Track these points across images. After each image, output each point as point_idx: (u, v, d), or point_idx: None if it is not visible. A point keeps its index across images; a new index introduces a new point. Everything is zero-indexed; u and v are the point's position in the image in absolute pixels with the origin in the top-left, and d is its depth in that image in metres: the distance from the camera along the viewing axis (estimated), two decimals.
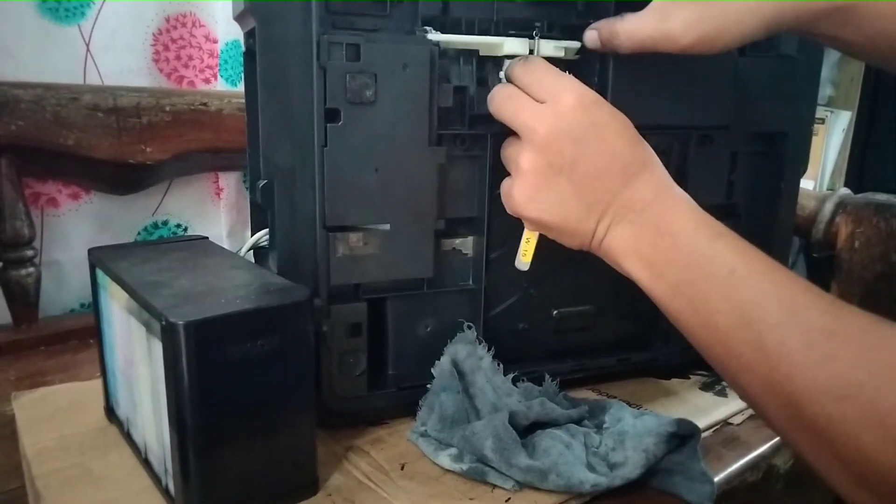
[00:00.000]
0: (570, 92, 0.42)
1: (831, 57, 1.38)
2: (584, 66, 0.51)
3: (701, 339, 0.38)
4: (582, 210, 0.42)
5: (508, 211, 0.45)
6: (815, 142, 1.44)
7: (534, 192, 0.42)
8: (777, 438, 0.50)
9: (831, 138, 1.42)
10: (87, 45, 0.72)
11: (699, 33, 0.41)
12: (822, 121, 1.40)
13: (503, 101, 0.44)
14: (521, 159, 0.42)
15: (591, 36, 0.46)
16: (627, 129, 0.43)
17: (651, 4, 0.43)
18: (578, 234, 0.43)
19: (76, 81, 0.71)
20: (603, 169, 0.41)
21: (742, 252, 0.37)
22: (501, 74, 0.47)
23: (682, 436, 0.44)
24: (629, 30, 0.43)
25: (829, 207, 0.72)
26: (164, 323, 0.34)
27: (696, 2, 0.41)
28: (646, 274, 0.40)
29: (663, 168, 0.43)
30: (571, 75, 0.44)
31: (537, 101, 0.43)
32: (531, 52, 0.49)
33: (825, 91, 1.40)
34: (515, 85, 0.45)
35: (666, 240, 0.40)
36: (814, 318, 0.33)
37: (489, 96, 0.46)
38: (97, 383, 0.50)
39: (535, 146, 0.42)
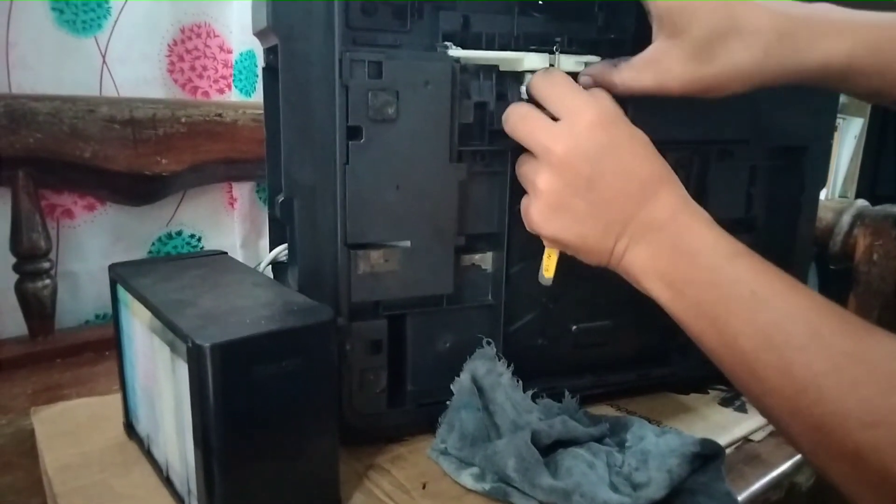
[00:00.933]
0: (587, 110, 0.42)
1: None
2: None
3: (724, 360, 0.37)
4: (599, 229, 0.42)
5: (528, 229, 0.45)
6: None
7: (551, 212, 0.42)
8: (798, 456, 0.50)
9: (843, 145, 1.42)
10: (104, 57, 0.72)
11: (693, 90, 0.42)
12: (835, 128, 1.40)
13: (518, 121, 0.44)
14: (538, 179, 0.42)
15: (585, 82, 0.46)
16: (645, 147, 0.42)
17: (647, 54, 0.43)
18: (596, 253, 0.43)
19: (92, 92, 0.72)
20: (620, 188, 0.41)
21: (762, 272, 0.37)
22: (522, 89, 0.47)
23: (706, 455, 0.43)
24: (627, 83, 0.43)
25: (846, 219, 0.71)
26: (190, 345, 0.34)
27: (689, 58, 0.41)
28: (666, 294, 0.40)
29: (681, 185, 0.42)
30: (597, 89, 0.44)
31: (554, 117, 0.43)
32: (551, 66, 0.49)
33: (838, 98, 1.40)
34: (534, 97, 0.45)
35: (685, 259, 0.39)
36: (838, 342, 0.33)
37: (504, 115, 0.45)
38: (116, 398, 0.50)
39: (552, 166, 0.42)
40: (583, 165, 0.41)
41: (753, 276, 0.37)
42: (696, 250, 0.39)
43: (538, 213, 0.43)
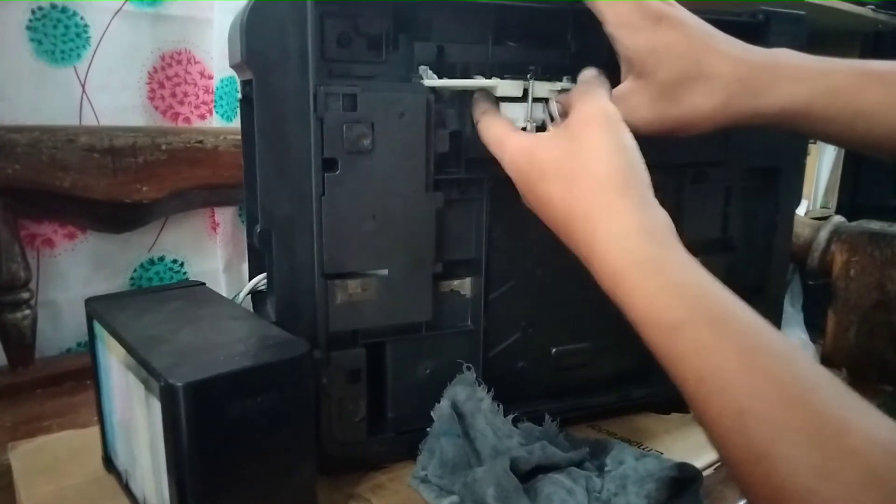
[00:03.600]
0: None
1: None
2: None
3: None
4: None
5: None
6: (809, 160, 1.46)
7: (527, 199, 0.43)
8: None
9: (824, 157, 1.43)
10: (83, 86, 0.72)
11: (658, 130, 0.43)
12: (815, 141, 1.41)
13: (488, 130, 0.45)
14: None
15: (556, 109, 0.47)
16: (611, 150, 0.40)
17: (616, 92, 0.44)
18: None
19: (72, 121, 0.72)
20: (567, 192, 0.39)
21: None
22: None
23: (684, 479, 0.44)
24: None
25: (823, 235, 0.72)
26: (162, 384, 0.34)
27: (655, 99, 0.42)
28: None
29: (652, 194, 0.39)
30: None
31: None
32: (525, 92, 0.49)
33: None
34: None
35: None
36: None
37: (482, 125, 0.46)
38: (95, 430, 0.50)
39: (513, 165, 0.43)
40: (531, 168, 0.41)
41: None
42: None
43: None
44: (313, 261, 0.45)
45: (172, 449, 0.35)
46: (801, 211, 1.49)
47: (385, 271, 0.47)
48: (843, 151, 1.45)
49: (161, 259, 0.82)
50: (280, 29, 0.43)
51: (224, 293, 0.77)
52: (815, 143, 1.43)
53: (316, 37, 0.43)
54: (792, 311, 1.70)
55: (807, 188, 1.46)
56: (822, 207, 1.49)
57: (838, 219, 0.73)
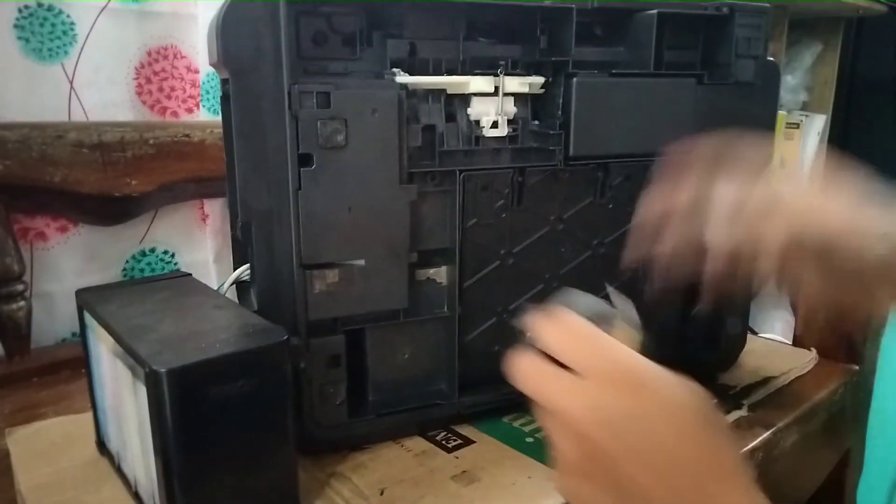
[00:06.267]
0: (607, 362, 0.32)
1: (804, 62, 1.41)
2: (547, 100, 0.54)
3: None
4: None
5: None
6: (791, 146, 1.47)
7: (570, 482, 0.32)
8: None
9: (807, 142, 1.45)
10: (71, 82, 0.74)
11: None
12: (798, 125, 1.43)
13: (526, 378, 0.34)
14: (556, 440, 0.32)
15: None
16: (702, 427, 0.31)
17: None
18: None
19: (61, 117, 0.73)
20: (657, 477, 0.29)
21: None
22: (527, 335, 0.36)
23: None
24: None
25: None
26: (147, 370, 0.36)
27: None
28: None
29: (753, 483, 0.30)
30: (623, 325, 0.36)
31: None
32: (496, 88, 0.51)
33: (799, 96, 1.43)
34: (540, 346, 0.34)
35: None
36: None
37: (511, 370, 0.34)
38: (89, 416, 0.52)
39: (567, 430, 0.32)
40: (604, 435, 0.30)
41: None
42: None
43: (559, 478, 0.33)
44: (292, 252, 0.47)
45: (158, 432, 0.37)
46: None
47: (362, 261, 0.49)
48: (825, 137, 1.47)
49: (152, 250, 0.84)
50: (254, 29, 0.45)
51: (214, 282, 0.80)
52: (797, 128, 1.45)
53: (290, 36, 0.45)
54: (778, 294, 1.72)
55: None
56: None
57: None
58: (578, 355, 0.32)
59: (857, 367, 0.70)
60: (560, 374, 0.32)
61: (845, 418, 0.70)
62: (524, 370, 0.34)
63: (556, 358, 0.33)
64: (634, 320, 0.37)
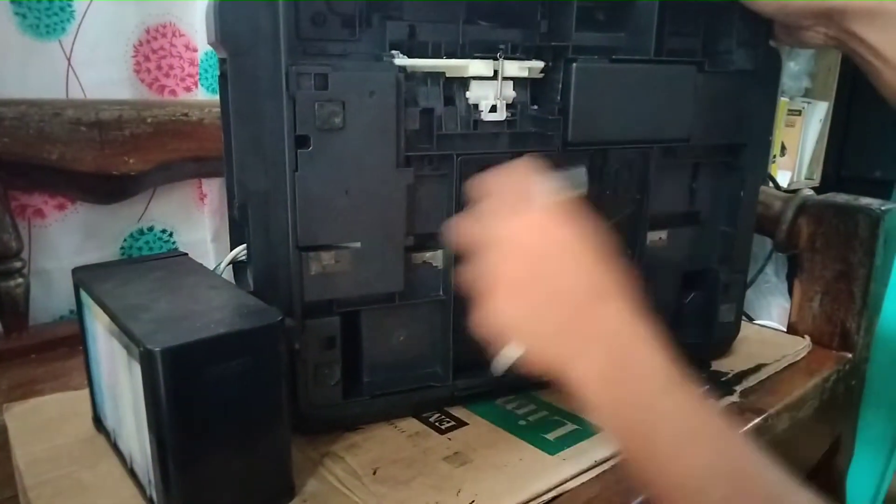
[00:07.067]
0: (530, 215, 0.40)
1: (807, 50, 1.40)
2: (546, 85, 0.53)
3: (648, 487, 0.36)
4: (551, 329, 0.38)
5: (487, 331, 0.41)
6: (793, 132, 1.47)
7: (510, 297, 0.39)
8: None
9: (808, 128, 1.44)
10: (69, 60, 0.73)
11: None
12: (800, 112, 1.42)
13: (458, 229, 0.42)
14: (493, 269, 0.40)
15: None
16: (594, 253, 0.39)
17: None
18: (546, 355, 0.39)
19: (59, 95, 0.73)
20: (569, 286, 0.38)
21: (693, 412, 0.36)
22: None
23: None
24: None
25: (791, 208, 0.74)
26: (142, 350, 0.36)
27: None
28: (602, 410, 0.37)
29: (630, 301, 0.39)
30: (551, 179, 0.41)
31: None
32: (496, 72, 0.51)
33: (802, 83, 1.43)
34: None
35: (624, 380, 0.37)
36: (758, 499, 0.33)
37: (446, 232, 0.42)
38: (85, 393, 0.53)
39: (504, 250, 0.39)
40: (535, 247, 0.39)
41: (683, 415, 0.36)
42: (636, 374, 0.37)
43: (499, 303, 0.39)
44: (288, 233, 0.47)
45: (152, 410, 0.37)
46: (784, 182, 1.51)
47: (358, 244, 0.49)
48: (828, 123, 1.46)
49: (150, 229, 0.84)
50: (253, 9, 0.44)
51: (212, 262, 0.80)
52: (799, 114, 1.44)
53: (288, 17, 0.44)
54: (776, 281, 1.73)
55: (791, 159, 1.48)
56: (806, 178, 1.51)
57: (807, 192, 0.75)
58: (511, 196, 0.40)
59: (850, 355, 0.71)
60: (499, 213, 0.40)
61: (837, 405, 0.71)
62: (466, 224, 0.42)
63: (498, 199, 0.41)
64: (580, 178, 0.45)
